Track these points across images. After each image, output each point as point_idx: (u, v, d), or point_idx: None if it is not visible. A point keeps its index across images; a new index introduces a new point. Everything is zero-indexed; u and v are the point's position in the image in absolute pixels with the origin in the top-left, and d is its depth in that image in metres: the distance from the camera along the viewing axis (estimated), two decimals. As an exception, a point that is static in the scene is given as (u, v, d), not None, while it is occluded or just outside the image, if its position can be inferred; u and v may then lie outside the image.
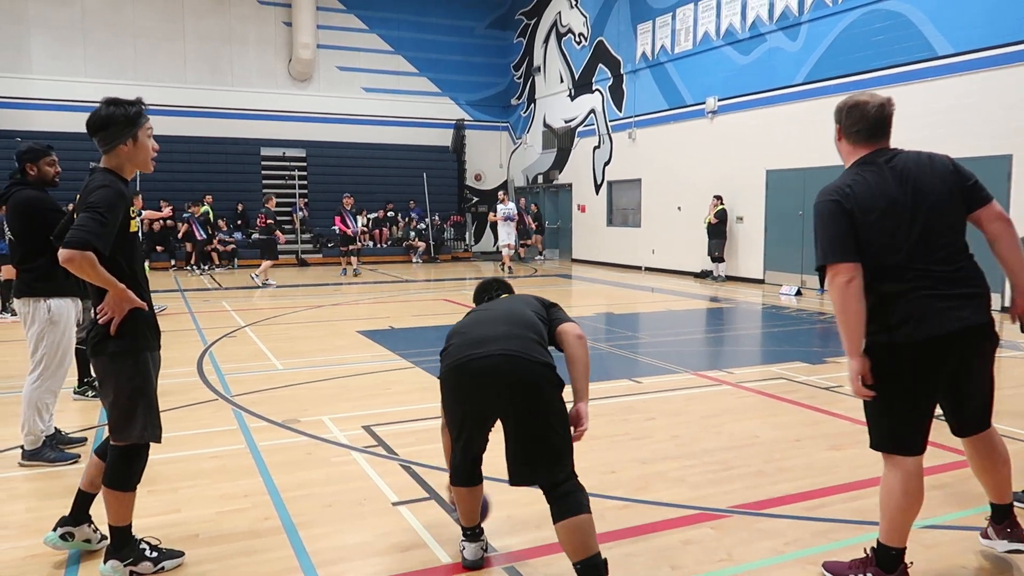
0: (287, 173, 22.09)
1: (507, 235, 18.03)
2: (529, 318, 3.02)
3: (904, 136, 14.15)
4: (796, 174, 14.13)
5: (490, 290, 3.48)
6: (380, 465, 4.46)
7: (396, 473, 4.32)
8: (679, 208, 17.08)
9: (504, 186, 25.41)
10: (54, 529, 3.26)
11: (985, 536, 3.26)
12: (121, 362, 2.96)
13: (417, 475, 4.27)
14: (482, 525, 3.24)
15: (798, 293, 13.32)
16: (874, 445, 2.95)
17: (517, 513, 3.75)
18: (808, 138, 13.77)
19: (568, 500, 2.75)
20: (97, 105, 3.04)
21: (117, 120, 2.98)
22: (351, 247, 17.21)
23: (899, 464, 2.86)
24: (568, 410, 2.89)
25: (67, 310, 4.50)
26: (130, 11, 20.53)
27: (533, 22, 23.49)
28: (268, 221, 15.38)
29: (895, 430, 2.86)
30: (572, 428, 2.89)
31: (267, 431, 5.16)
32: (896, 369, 2.78)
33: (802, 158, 13.98)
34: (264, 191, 21.83)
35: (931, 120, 11.60)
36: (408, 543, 3.41)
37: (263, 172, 22.04)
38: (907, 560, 2.94)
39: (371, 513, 3.75)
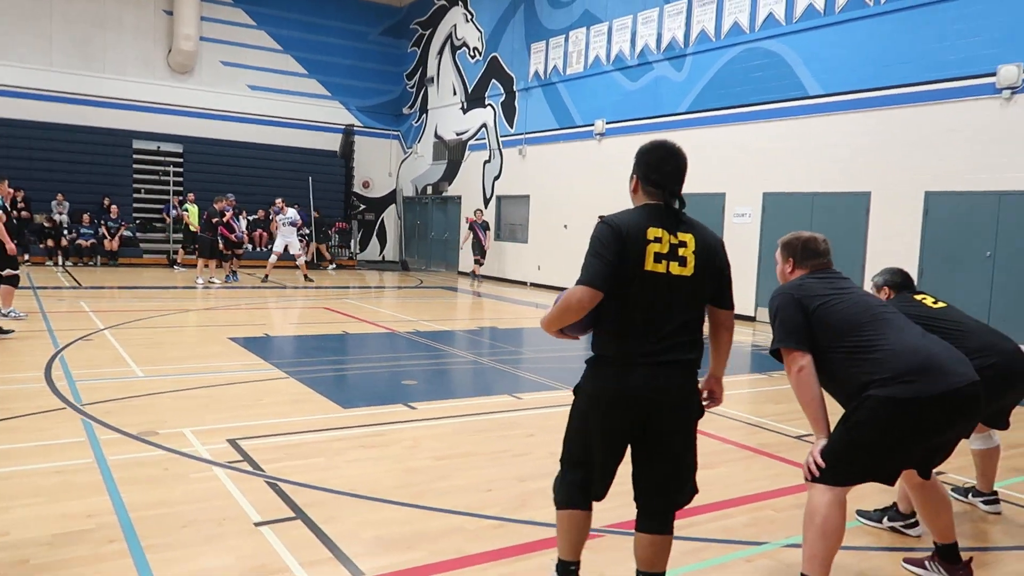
0: (161, 168, 20.90)
1: (295, 244, 16.88)
2: None
3: (774, 171, 14.87)
4: (677, 199, 14.64)
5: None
6: (244, 482, 4.18)
7: (261, 490, 4.07)
8: (566, 226, 17.37)
9: (394, 195, 25.12)
10: None
11: (919, 565, 3.44)
12: None
13: (283, 492, 4.03)
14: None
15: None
16: (831, 480, 2.93)
17: (386, 533, 3.60)
18: (691, 165, 14.31)
19: None
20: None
21: None
22: (236, 251, 16.34)
23: (839, 495, 2.93)
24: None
25: None
26: (-12, -18, 18.91)
27: (428, 32, 23.38)
28: (213, 220, 15.01)
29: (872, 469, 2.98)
30: None
31: (120, 444, 4.75)
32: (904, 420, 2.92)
33: (686, 184, 14.51)
34: (135, 186, 20.67)
35: (800, 156, 12.34)
36: (270, 567, 3.19)
37: (135, 166, 20.73)
38: None
39: (231, 534, 3.50)
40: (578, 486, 2.84)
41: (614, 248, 2.62)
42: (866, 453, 2.91)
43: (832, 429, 3.01)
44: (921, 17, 10.74)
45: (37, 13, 19.42)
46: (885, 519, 3.97)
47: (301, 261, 17.27)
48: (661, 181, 2.75)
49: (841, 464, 2.92)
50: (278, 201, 17.30)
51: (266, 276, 16.57)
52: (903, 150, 10.98)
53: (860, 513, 4.04)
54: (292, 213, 16.88)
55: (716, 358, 2.88)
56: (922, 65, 10.71)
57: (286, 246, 16.75)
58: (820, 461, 2.94)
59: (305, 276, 16.99)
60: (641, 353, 2.63)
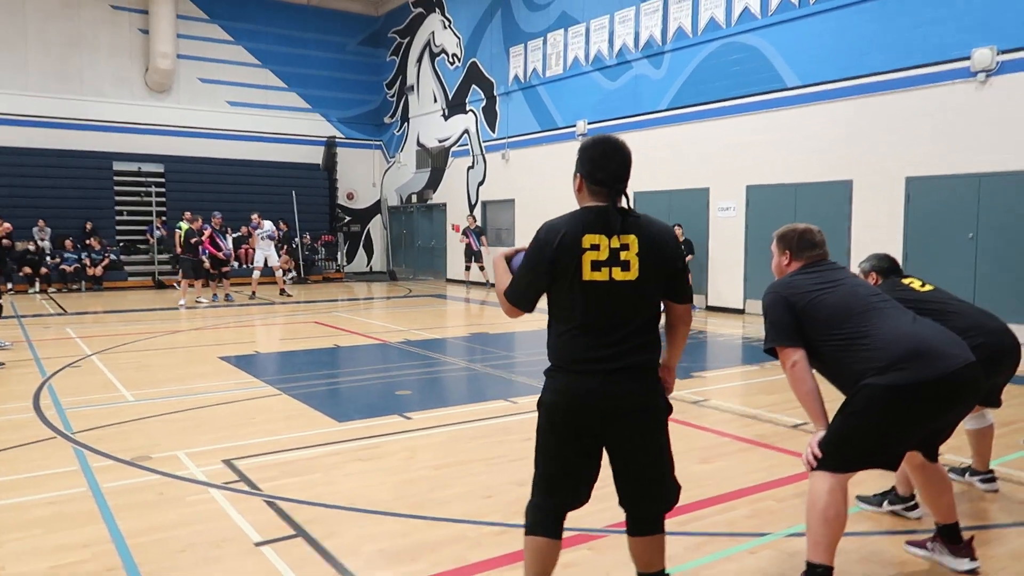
0: (143, 189, 20.76)
1: (273, 256, 16.92)
2: None
3: (756, 163, 14.88)
4: (662, 196, 14.70)
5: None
6: (241, 502, 4.14)
7: (259, 510, 4.03)
8: (552, 228, 17.36)
9: (379, 206, 25.06)
10: None
11: (922, 547, 3.47)
12: None
13: (282, 511, 4.00)
14: None
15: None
16: (832, 467, 2.94)
17: (388, 546, 3.57)
18: (673, 161, 14.38)
19: None
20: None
21: None
22: (223, 270, 16.16)
23: (840, 481, 2.93)
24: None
25: None
26: (-41, 10, 18.74)
27: (406, 41, 23.37)
28: (192, 240, 14.79)
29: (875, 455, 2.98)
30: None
31: (113, 470, 4.70)
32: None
33: (667, 181, 14.57)
34: (118, 208, 20.52)
35: (781, 148, 12.40)
36: (271, 587, 3.17)
37: (116, 188, 20.58)
38: None
39: (230, 556, 3.46)
40: (547, 511, 2.72)
41: (538, 265, 2.57)
42: (864, 440, 2.92)
43: (831, 419, 3.02)
44: (895, 5, 10.82)
45: (11, 37, 19.25)
46: (885, 503, 3.98)
47: (279, 274, 17.24)
48: (606, 179, 2.57)
49: (840, 452, 2.93)
50: (254, 216, 17.22)
51: (253, 293, 16.47)
52: (882, 137, 11.05)
53: (860, 498, 4.05)
54: (268, 226, 16.83)
55: (671, 350, 2.79)
56: (897, 52, 10.78)
57: (266, 259, 16.75)
58: (818, 452, 2.95)
59: (282, 291, 16.97)
60: (588, 361, 2.54)
